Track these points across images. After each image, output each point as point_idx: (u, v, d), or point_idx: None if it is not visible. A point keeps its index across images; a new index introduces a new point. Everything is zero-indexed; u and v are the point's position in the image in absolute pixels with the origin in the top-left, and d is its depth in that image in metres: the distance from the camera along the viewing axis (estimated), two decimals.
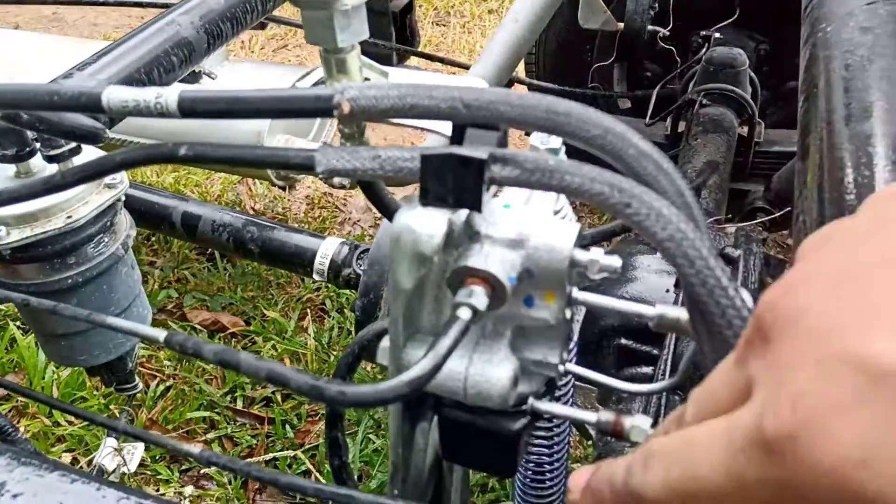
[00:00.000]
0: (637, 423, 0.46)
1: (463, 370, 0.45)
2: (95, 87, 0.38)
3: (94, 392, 1.55)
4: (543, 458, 0.76)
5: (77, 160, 0.73)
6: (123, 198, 0.77)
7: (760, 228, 1.47)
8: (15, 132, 0.67)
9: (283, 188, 2.20)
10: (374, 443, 1.46)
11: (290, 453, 1.45)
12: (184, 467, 1.45)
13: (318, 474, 1.41)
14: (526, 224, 0.43)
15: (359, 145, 0.54)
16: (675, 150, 1.58)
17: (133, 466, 0.90)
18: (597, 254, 0.43)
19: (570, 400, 0.75)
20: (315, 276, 1.35)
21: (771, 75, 1.84)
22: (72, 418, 1.50)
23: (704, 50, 1.72)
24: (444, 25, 3.27)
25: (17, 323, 1.68)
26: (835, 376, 0.23)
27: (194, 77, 1.52)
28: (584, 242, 0.45)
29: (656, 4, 1.59)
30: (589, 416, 0.48)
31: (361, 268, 1.26)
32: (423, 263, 0.40)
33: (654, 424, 0.45)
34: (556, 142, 0.53)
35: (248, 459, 1.43)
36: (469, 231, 0.43)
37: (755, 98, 1.65)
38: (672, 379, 0.57)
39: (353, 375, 0.60)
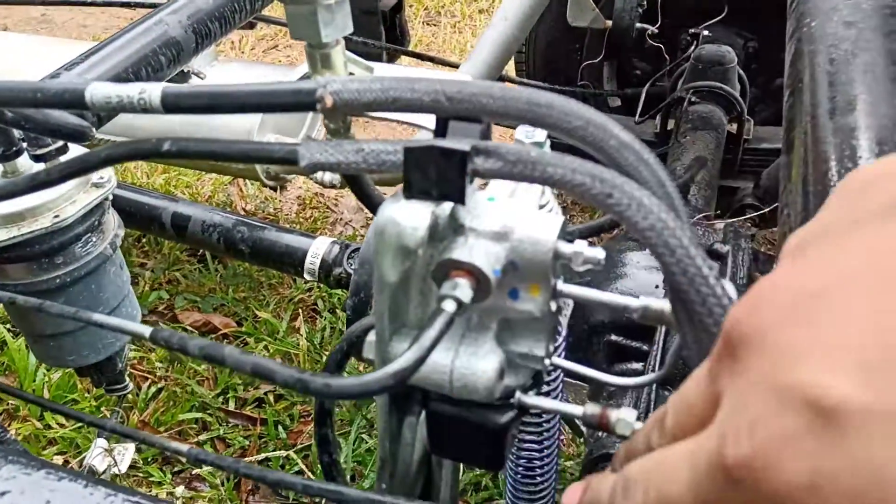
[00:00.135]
0: (623, 416, 0.46)
1: (449, 363, 0.45)
2: (79, 84, 0.38)
3: (86, 394, 1.55)
4: (534, 455, 0.77)
5: (64, 159, 0.73)
6: (111, 197, 0.77)
7: (749, 225, 1.48)
8: (1, 131, 0.67)
9: (274, 189, 2.20)
10: (366, 442, 1.46)
11: (283, 453, 1.45)
12: (176, 469, 1.45)
13: (310, 474, 1.41)
14: (510, 217, 0.43)
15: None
16: (665, 147, 1.59)
17: (124, 467, 0.90)
18: (581, 246, 0.43)
19: (560, 396, 0.75)
20: (306, 276, 1.34)
21: (759, 73, 1.84)
22: (63, 421, 1.49)
23: (693, 48, 1.73)
24: (434, 25, 3.27)
25: (8, 325, 1.68)
26: (786, 407, 0.25)
27: (183, 77, 1.52)
28: (571, 238, 0.46)
29: (644, 2, 1.60)
30: (575, 409, 0.48)
31: (352, 267, 1.26)
32: (407, 256, 0.40)
33: (644, 418, 0.45)
34: (540, 135, 0.53)
35: (240, 462, 1.42)
36: (453, 224, 0.43)
37: (744, 95, 1.65)
38: (659, 372, 0.57)
39: (342, 372, 0.60)
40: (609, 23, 1.59)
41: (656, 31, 1.64)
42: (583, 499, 0.38)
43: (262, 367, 0.38)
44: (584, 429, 0.99)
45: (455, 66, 2.13)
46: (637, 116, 1.72)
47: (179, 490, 1.31)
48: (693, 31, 1.77)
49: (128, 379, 0.91)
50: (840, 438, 0.23)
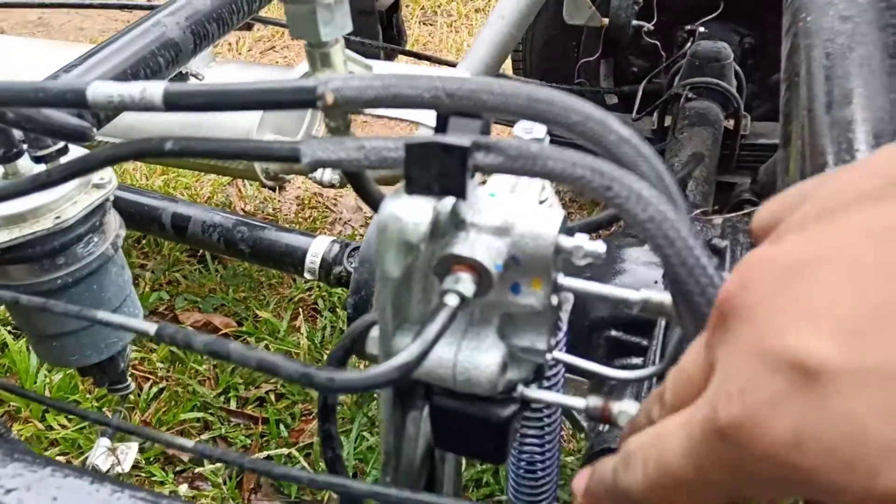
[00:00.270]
0: (625, 408, 0.47)
1: (452, 357, 0.45)
2: (80, 83, 0.38)
3: (87, 395, 1.55)
4: (535, 450, 0.77)
5: (64, 160, 0.73)
6: (112, 197, 0.77)
7: (747, 220, 1.48)
8: (1, 132, 0.67)
9: (273, 189, 2.20)
10: (368, 440, 1.47)
11: (285, 451, 1.46)
12: (178, 468, 1.45)
13: (312, 472, 1.41)
14: (511, 212, 0.44)
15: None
16: (662, 143, 1.59)
17: (127, 466, 0.90)
18: (581, 239, 0.44)
19: (560, 390, 0.75)
20: (306, 275, 1.35)
21: (756, 68, 1.85)
22: (65, 421, 1.49)
23: (689, 44, 1.73)
24: (431, 24, 3.27)
25: (9, 327, 1.68)
26: (773, 370, 0.27)
27: (181, 78, 1.52)
28: (571, 233, 0.46)
29: None
30: (578, 402, 0.49)
31: (352, 265, 1.26)
32: (409, 251, 0.41)
33: None
34: (539, 131, 0.53)
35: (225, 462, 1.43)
36: (455, 219, 0.43)
37: (740, 91, 1.66)
38: (660, 365, 0.58)
39: (344, 368, 0.60)
40: (606, 20, 1.59)
41: (652, 28, 1.64)
42: (589, 483, 0.38)
43: (267, 361, 0.39)
44: (584, 423, 1.00)
45: (452, 65, 2.13)
46: (634, 113, 1.72)
47: (182, 489, 1.31)
48: (689, 27, 1.78)
49: (130, 379, 0.92)
50: (821, 398, 0.25)
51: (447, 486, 0.59)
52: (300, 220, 2.15)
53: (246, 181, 2.20)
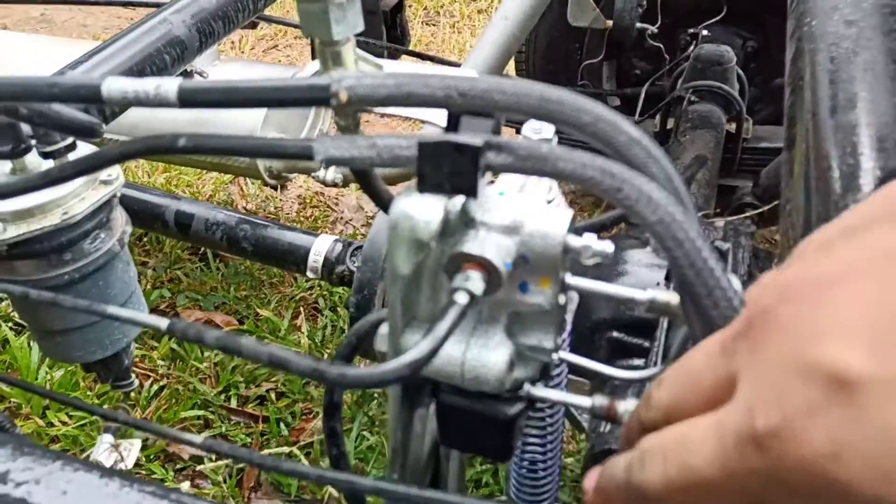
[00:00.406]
0: (630, 407, 0.47)
1: (460, 355, 0.46)
2: (94, 79, 0.38)
3: (88, 392, 1.55)
4: (537, 450, 0.77)
5: (72, 157, 0.73)
6: (119, 194, 0.77)
7: (749, 223, 1.48)
8: (10, 128, 0.67)
9: (275, 187, 2.20)
10: (368, 440, 1.47)
11: (286, 450, 1.46)
12: (178, 466, 1.46)
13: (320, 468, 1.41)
14: (520, 211, 0.44)
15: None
16: (665, 146, 1.60)
17: (130, 463, 0.91)
18: (589, 239, 0.44)
19: (564, 390, 0.75)
20: (309, 274, 1.35)
21: (758, 72, 1.85)
22: (66, 418, 1.50)
23: (692, 47, 1.74)
24: (433, 25, 3.28)
25: (10, 324, 1.68)
26: (810, 382, 0.27)
27: (186, 76, 1.52)
28: (579, 232, 0.46)
29: (644, 2, 1.60)
30: (584, 400, 0.49)
31: (355, 265, 1.27)
32: (420, 249, 0.41)
33: None
34: (548, 131, 0.54)
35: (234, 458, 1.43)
36: (465, 218, 0.44)
37: (743, 95, 1.66)
38: (663, 366, 0.58)
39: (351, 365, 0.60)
40: (609, 23, 1.59)
41: (656, 30, 1.65)
42: (599, 479, 0.39)
43: (279, 357, 0.39)
44: (585, 424, 1.00)
45: (455, 65, 2.13)
46: (637, 116, 1.73)
47: (184, 486, 1.31)
48: (692, 30, 1.78)
49: (133, 375, 0.92)
50: (859, 410, 0.26)
51: (451, 483, 0.59)
52: (302, 218, 2.15)
53: (248, 179, 2.20)
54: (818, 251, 0.32)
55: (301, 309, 1.79)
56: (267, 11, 1.42)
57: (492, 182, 0.50)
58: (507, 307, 0.46)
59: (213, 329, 0.42)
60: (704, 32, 1.76)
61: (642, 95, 1.76)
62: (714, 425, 0.31)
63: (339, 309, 1.79)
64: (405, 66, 0.54)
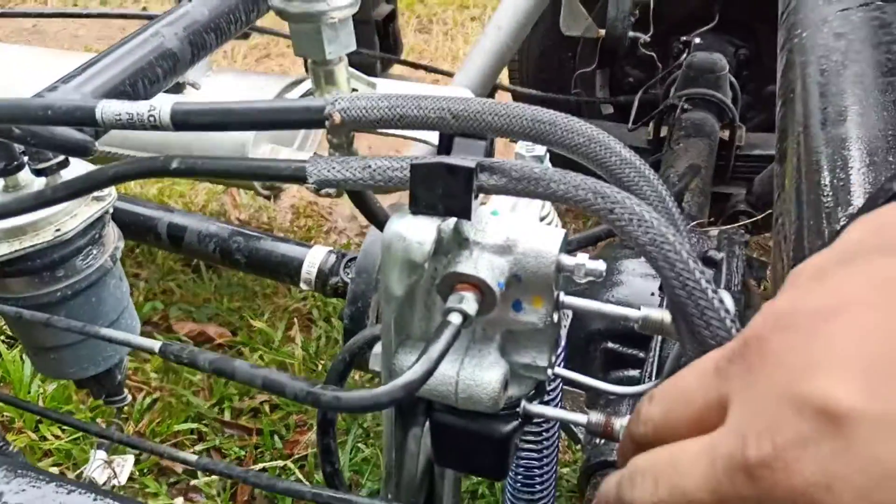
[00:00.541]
0: (626, 424, 0.47)
1: (454, 374, 0.46)
2: (89, 102, 0.38)
3: (81, 406, 1.54)
4: (533, 463, 0.77)
5: (65, 173, 0.73)
6: (111, 210, 0.77)
7: (743, 231, 1.49)
8: (3, 146, 0.67)
9: (269, 197, 2.20)
10: (363, 452, 1.47)
11: (280, 463, 1.45)
12: (172, 480, 1.45)
13: (307, 484, 1.41)
14: (513, 230, 0.44)
15: (348, 155, 0.55)
16: (658, 154, 1.60)
17: (123, 479, 0.90)
18: (582, 258, 0.44)
19: (559, 404, 0.75)
20: (302, 286, 1.35)
21: (751, 79, 1.86)
22: (59, 432, 1.49)
23: (685, 55, 1.74)
24: (426, 33, 3.28)
25: (2, 337, 1.67)
26: (802, 414, 0.28)
27: (178, 88, 1.52)
28: (569, 248, 0.46)
29: (637, 11, 1.61)
30: (580, 417, 0.49)
31: (349, 276, 1.26)
32: (413, 270, 0.41)
33: None
34: (540, 150, 0.54)
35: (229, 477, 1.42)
36: (458, 238, 0.44)
37: (735, 102, 1.67)
38: (658, 381, 0.58)
39: (344, 383, 0.60)
40: (602, 32, 1.60)
41: (648, 39, 1.65)
42: (597, 495, 0.39)
43: (273, 380, 0.39)
44: (581, 435, 1.00)
45: (448, 74, 2.14)
46: (630, 124, 1.73)
47: (178, 501, 1.31)
48: (685, 38, 1.79)
49: (126, 390, 0.92)
50: (850, 443, 0.26)
51: (446, 502, 0.59)
52: (295, 228, 2.15)
53: (241, 189, 2.20)
54: (812, 280, 0.32)
55: (295, 320, 1.78)
56: (259, 22, 1.42)
57: (484, 203, 0.50)
58: (500, 326, 0.47)
59: (205, 352, 0.42)
60: (697, 40, 1.77)
61: (635, 103, 1.77)
62: (706, 449, 0.31)
63: (333, 320, 1.78)
64: (399, 85, 0.54)
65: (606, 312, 0.48)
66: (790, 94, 0.79)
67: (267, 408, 1.58)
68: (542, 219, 0.56)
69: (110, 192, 0.77)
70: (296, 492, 0.45)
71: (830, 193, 0.62)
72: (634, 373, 0.98)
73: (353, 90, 0.53)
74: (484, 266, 0.43)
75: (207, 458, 0.48)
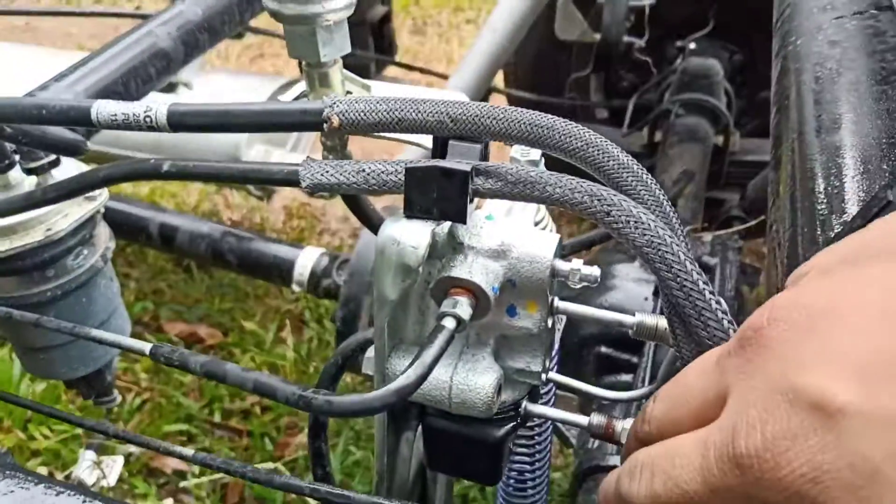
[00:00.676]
0: (628, 426, 0.47)
1: (447, 379, 0.45)
2: (84, 102, 0.38)
3: (70, 406, 1.53)
4: (525, 467, 0.77)
5: (56, 172, 0.73)
6: (103, 210, 0.77)
7: (737, 237, 1.49)
8: None
9: (261, 198, 2.19)
10: (354, 455, 1.46)
11: (270, 465, 1.44)
12: (161, 481, 1.44)
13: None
14: (508, 235, 0.44)
15: (342, 158, 0.54)
16: (652, 159, 1.60)
17: (113, 480, 0.89)
18: (577, 264, 0.44)
19: (553, 406, 0.75)
20: (294, 287, 1.34)
21: (745, 85, 1.87)
22: (47, 432, 1.48)
23: (680, 60, 1.75)
24: (421, 35, 3.28)
25: None
26: (794, 407, 0.28)
27: (171, 88, 1.51)
28: (563, 252, 0.46)
29: (632, 16, 1.61)
30: (580, 419, 0.49)
31: (342, 278, 1.26)
32: (407, 275, 0.41)
33: None
34: (535, 154, 0.54)
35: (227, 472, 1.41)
36: (452, 242, 0.43)
37: (730, 107, 1.68)
38: (652, 386, 0.58)
39: (336, 386, 0.60)
40: (597, 36, 1.60)
41: (643, 44, 1.65)
42: (599, 492, 0.39)
43: (264, 384, 0.39)
44: (573, 439, 1.00)
45: (442, 76, 2.14)
46: (625, 128, 1.74)
47: (168, 503, 1.30)
48: (679, 44, 1.79)
49: (116, 391, 0.91)
50: (840, 438, 0.27)
51: None
52: (288, 229, 2.14)
53: (233, 190, 2.19)
54: (815, 277, 0.33)
55: (286, 321, 1.78)
56: (253, 22, 1.42)
57: (478, 208, 0.50)
58: (494, 331, 0.46)
59: (197, 354, 0.41)
60: (692, 46, 1.77)
61: (630, 108, 1.77)
62: (700, 442, 0.32)
63: (324, 321, 1.78)
64: (394, 88, 0.54)
65: (601, 318, 0.48)
66: (785, 101, 0.79)
67: (258, 410, 1.58)
68: (536, 223, 0.56)
69: (102, 192, 0.76)
70: (295, 488, 0.45)
71: (825, 201, 0.62)
72: (628, 377, 0.98)
73: (348, 92, 0.53)
74: (478, 271, 0.42)
75: (204, 453, 0.47)
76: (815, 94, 0.74)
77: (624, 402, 0.92)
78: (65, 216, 0.72)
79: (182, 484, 1.42)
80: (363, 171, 0.40)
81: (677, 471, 0.32)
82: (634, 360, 0.97)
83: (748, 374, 0.31)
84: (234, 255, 1.37)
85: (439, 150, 0.43)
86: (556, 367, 0.73)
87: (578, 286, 0.45)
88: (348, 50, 0.49)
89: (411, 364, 0.38)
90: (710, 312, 0.38)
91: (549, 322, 0.46)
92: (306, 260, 1.32)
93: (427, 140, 0.52)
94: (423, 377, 0.38)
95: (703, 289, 0.39)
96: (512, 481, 0.78)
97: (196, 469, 1.44)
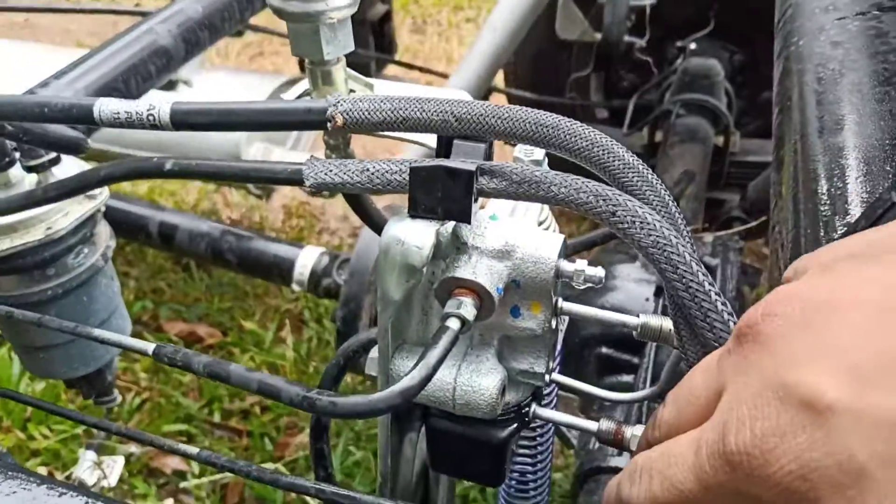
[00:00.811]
0: (637, 432, 0.47)
1: (451, 380, 0.45)
2: (86, 100, 0.38)
3: (70, 405, 1.53)
4: (527, 468, 0.77)
5: (56, 170, 0.72)
6: (104, 208, 0.76)
7: (738, 238, 1.49)
8: None
9: (261, 197, 2.19)
10: (354, 455, 1.46)
11: (271, 466, 1.44)
12: (161, 481, 1.44)
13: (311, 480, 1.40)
14: (512, 235, 0.44)
15: (345, 156, 0.54)
16: (653, 160, 1.60)
17: (113, 480, 0.89)
18: (581, 265, 0.44)
19: (554, 409, 0.75)
20: (294, 287, 1.34)
21: (746, 85, 1.87)
22: (47, 432, 1.47)
23: (680, 60, 1.75)
24: (421, 33, 3.28)
25: None
26: (784, 404, 0.28)
27: (171, 85, 1.51)
28: (566, 253, 0.46)
29: (633, 16, 1.61)
30: (590, 424, 0.49)
31: (342, 278, 1.26)
32: (412, 275, 0.41)
33: None
34: (539, 153, 0.53)
35: (226, 473, 1.41)
36: (457, 242, 0.43)
37: (730, 108, 1.67)
38: (655, 388, 0.58)
39: (338, 386, 0.60)
40: (598, 36, 1.60)
41: (644, 44, 1.65)
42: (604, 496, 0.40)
43: (268, 385, 0.39)
44: (574, 441, 1.00)
45: (442, 74, 2.13)
46: (625, 128, 1.73)
47: (168, 503, 1.30)
48: (680, 44, 1.79)
49: (116, 391, 0.91)
50: (829, 436, 0.27)
51: None
52: (287, 228, 2.14)
53: (232, 188, 2.19)
54: (815, 273, 0.32)
55: (286, 321, 1.77)
56: (252, 20, 1.42)
57: (482, 207, 0.49)
58: (498, 331, 0.46)
59: (200, 355, 0.41)
60: (692, 46, 1.77)
61: (630, 108, 1.77)
62: (693, 441, 0.32)
63: (324, 321, 1.77)
64: (397, 86, 0.54)
65: (605, 319, 0.47)
66: (787, 103, 0.78)
67: (257, 409, 1.57)
68: (540, 223, 0.56)
69: (102, 191, 0.76)
70: (301, 488, 0.44)
71: (828, 202, 0.62)
72: (629, 378, 0.98)
73: (351, 91, 0.52)
74: (483, 271, 0.42)
75: (209, 452, 0.47)
76: (818, 95, 0.74)
77: (626, 404, 0.91)
78: (65, 215, 0.72)
79: (182, 484, 1.41)
80: (367, 170, 0.40)
81: (672, 470, 0.32)
82: (635, 360, 0.96)
83: (743, 370, 0.31)
84: (234, 255, 1.37)
85: (443, 149, 0.43)
86: (558, 368, 0.72)
87: (583, 287, 0.44)
88: (352, 48, 0.49)
89: (415, 365, 0.38)
90: (715, 314, 0.38)
91: (554, 323, 0.46)
92: (306, 259, 1.32)
93: (430, 139, 0.51)
94: (428, 378, 0.37)
95: (709, 290, 0.38)
96: (513, 482, 0.78)
97: (196, 469, 1.43)
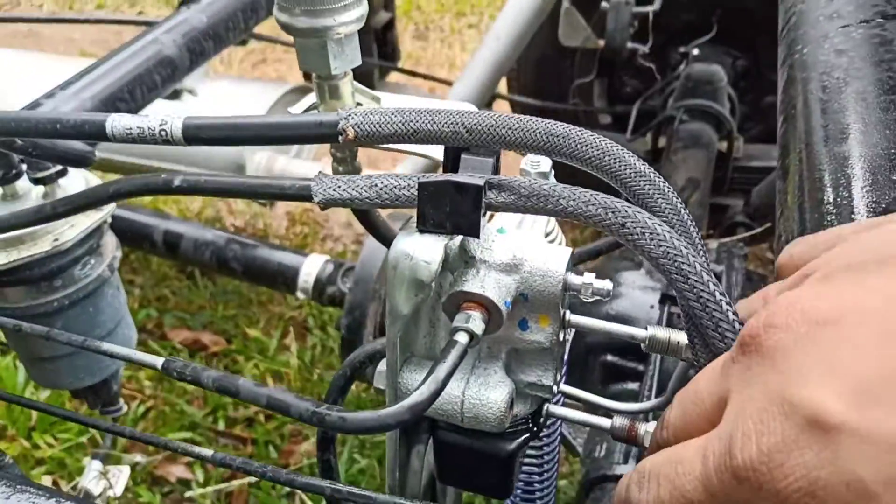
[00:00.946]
0: (650, 429, 0.47)
1: (460, 394, 0.45)
2: (98, 116, 0.38)
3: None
4: (533, 476, 0.77)
5: (63, 182, 0.73)
6: (110, 219, 0.77)
7: (742, 245, 1.49)
8: (2, 155, 0.66)
9: (265, 204, 2.19)
10: (359, 462, 1.46)
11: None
12: (166, 489, 1.44)
13: (303, 495, 1.40)
14: (520, 248, 0.44)
15: (352, 168, 0.54)
16: (656, 165, 1.60)
17: (119, 490, 0.89)
18: (589, 278, 0.44)
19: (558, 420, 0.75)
20: (299, 294, 1.34)
21: (749, 90, 1.87)
22: (51, 440, 1.47)
23: (683, 66, 1.75)
24: (423, 40, 3.28)
25: None
26: (790, 419, 0.28)
27: (176, 95, 1.51)
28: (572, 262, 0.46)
29: (636, 22, 1.61)
30: (604, 422, 0.49)
31: (347, 286, 1.26)
32: (420, 289, 0.41)
33: None
34: (545, 165, 0.54)
35: (232, 482, 1.41)
36: (464, 256, 0.43)
37: (733, 113, 1.67)
38: (661, 398, 0.58)
39: (345, 397, 0.60)
40: (601, 42, 1.60)
41: (647, 50, 1.65)
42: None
43: (278, 400, 0.39)
44: (579, 448, 1.00)
45: (445, 81, 2.14)
46: (628, 134, 1.74)
47: None
48: (683, 49, 1.79)
49: (122, 400, 0.91)
50: (837, 455, 0.27)
51: None
52: (291, 235, 2.14)
53: None
54: (817, 282, 0.32)
55: (290, 328, 1.78)
56: (255, 28, 1.42)
57: (490, 220, 0.50)
58: (506, 344, 0.46)
59: (209, 369, 0.41)
60: (695, 51, 1.77)
61: (634, 114, 1.77)
62: (700, 450, 0.32)
63: (328, 328, 1.77)
64: (403, 99, 0.54)
65: (613, 331, 0.47)
66: (792, 111, 0.78)
67: (262, 417, 1.57)
68: (546, 234, 0.56)
69: None
70: (316, 488, 0.44)
71: (833, 211, 0.62)
72: (634, 386, 0.98)
73: (358, 104, 0.52)
74: (491, 285, 0.42)
75: (223, 453, 0.47)
76: (822, 103, 0.74)
77: (632, 415, 0.91)
78: (72, 226, 0.72)
79: (187, 493, 1.41)
80: (375, 185, 0.40)
81: (680, 479, 0.32)
82: (641, 368, 0.96)
83: (746, 381, 0.31)
84: (239, 263, 1.37)
85: (451, 163, 0.43)
86: (564, 378, 0.72)
87: (591, 300, 0.44)
88: (359, 62, 0.49)
89: (425, 380, 0.38)
90: (727, 324, 0.38)
91: (561, 336, 0.46)
92: (311, 267, 1.32)
93: (435, 151, 0.52)
94: (437, 393, 0.37)
95: (720, 300, 0.38)
96: (519, 490, 0.78)
97: (201, 477, 1.43)
